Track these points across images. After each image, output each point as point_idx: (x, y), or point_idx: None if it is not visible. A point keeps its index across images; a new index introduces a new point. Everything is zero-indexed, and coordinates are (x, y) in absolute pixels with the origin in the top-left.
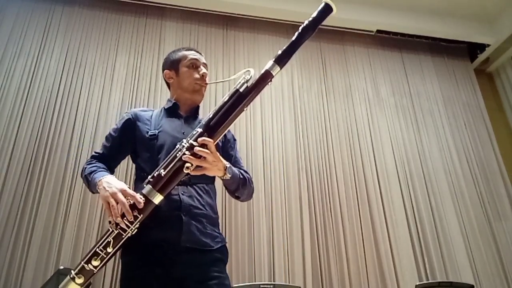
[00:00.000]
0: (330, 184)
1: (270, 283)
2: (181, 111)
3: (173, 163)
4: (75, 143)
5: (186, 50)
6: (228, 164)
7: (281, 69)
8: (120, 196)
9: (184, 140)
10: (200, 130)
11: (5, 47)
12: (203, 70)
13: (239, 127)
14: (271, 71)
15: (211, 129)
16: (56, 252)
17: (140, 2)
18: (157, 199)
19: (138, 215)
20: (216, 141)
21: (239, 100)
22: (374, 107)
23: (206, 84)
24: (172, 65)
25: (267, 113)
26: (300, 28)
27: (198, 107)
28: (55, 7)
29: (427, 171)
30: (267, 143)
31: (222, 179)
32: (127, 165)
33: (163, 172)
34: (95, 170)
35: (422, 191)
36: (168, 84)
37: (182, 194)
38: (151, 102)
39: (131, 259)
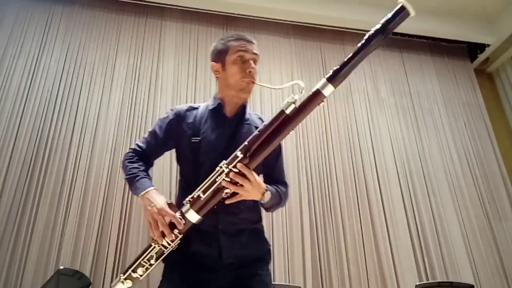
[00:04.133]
0: (330, 184)
1: None
2: (226, 111)
3: (212, 188)
4: (75, 143)
5: (234, 40)
6: (266, 188)
7: (335, 88)
8: (161, 218)
9: (224, 163)
10: (240, 155)
11: (5, 47)
12: (252, 65)
13: None
14: (323, 91)
15: (252, 154)
16: (56, 252)
17: (140, 2)
18: (195, 218)
19: (178, 234)
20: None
21: (284, 124)
22: (374, 107)
23: (254, 82)
24: (218, 56)
25: (267, 113)
26: (364, 38)
27: (245, 106)
28: (55, 7)
29: (427, 171)
30: None
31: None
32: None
33: (202, 196)
34: (137, 175)
35: (422, 191)
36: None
37: (220, 209)
38: (151, 102)
39: (174, 260)
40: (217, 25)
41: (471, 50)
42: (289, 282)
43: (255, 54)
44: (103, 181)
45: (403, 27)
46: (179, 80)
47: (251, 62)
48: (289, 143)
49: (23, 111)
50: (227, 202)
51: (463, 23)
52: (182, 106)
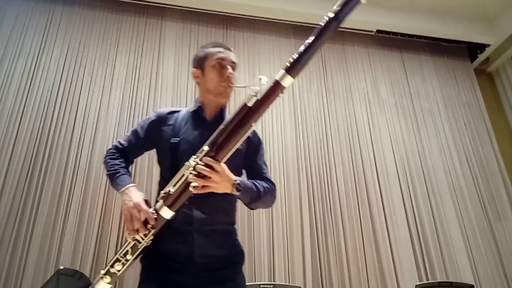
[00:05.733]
0: (330, 184)
1: (270, 283)
2: (205, 114)
3: (180, 182)
4: (75, 143)
5: (212, 47)
6: (237, 180)
7: (294, 78)
8: (135, 212)
9: (193, 157)
10: (207, 148)
11: (5, 47)
12: (229, 70)
13: None
14: (282, 82)
15: (218, 147)
16: (56, 252)
17: (140, 2)
18: (168, 214)
19: (152, 229)
20: (223, 160)
21: (247, 116)
22: (374, 107)
23: (232, 86)
24: (198, 63)
25: (267, 113)
26: (316, 30)
27: (223, 110)
28: (55, 7)
29: (427, 171)
30: (267, 143)
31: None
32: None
33: (172, 190)
34: (118, 172)
35: (422, 191)
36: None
37: (195, 208)
38: (151, 102)
39: (149, 262)
40: (217, 25)
41: (471, 50)
42: (289, 282)
43: (234, 62)
44: (103, 181)
45: (403, 27)
46: (179, 80)
47: (229, 67)
48: (289, 143)
49: (23, 111)
50: (194, 191)
51: (463, 23)
52: (165, 109)
